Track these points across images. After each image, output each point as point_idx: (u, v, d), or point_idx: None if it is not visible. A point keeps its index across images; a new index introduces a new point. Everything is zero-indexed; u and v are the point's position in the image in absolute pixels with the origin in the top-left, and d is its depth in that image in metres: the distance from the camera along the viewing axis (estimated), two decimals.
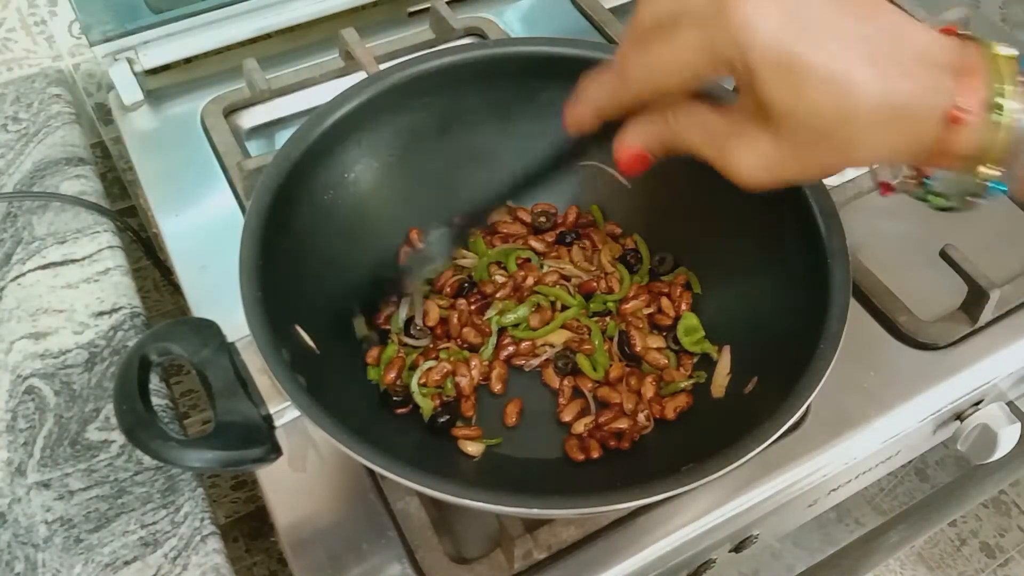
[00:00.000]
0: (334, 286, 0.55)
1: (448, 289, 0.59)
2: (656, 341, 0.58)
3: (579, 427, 0.54)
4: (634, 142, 0.41)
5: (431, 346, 0.57)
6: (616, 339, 0.58)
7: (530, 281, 0.59)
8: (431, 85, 0.58)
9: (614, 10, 0.84)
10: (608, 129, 0.42)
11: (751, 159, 0.37)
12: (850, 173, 0.67)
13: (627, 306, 0.59)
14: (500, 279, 0.60)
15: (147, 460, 0.53)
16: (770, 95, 0.34)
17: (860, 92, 0.33)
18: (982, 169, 0.36)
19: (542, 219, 0.62)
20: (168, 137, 0.72)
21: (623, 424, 0.54)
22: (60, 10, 0.72)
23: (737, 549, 0.61)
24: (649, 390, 0.55)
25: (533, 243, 0.61)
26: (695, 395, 0.56)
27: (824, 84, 0.33)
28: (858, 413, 0.57)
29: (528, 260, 0.61)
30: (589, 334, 0.58)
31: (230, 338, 0.45)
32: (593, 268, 0.61)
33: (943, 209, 0.42)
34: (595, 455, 0.53)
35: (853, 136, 0.35)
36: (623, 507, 0.46)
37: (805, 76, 0.33)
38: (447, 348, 0.56)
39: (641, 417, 0.54)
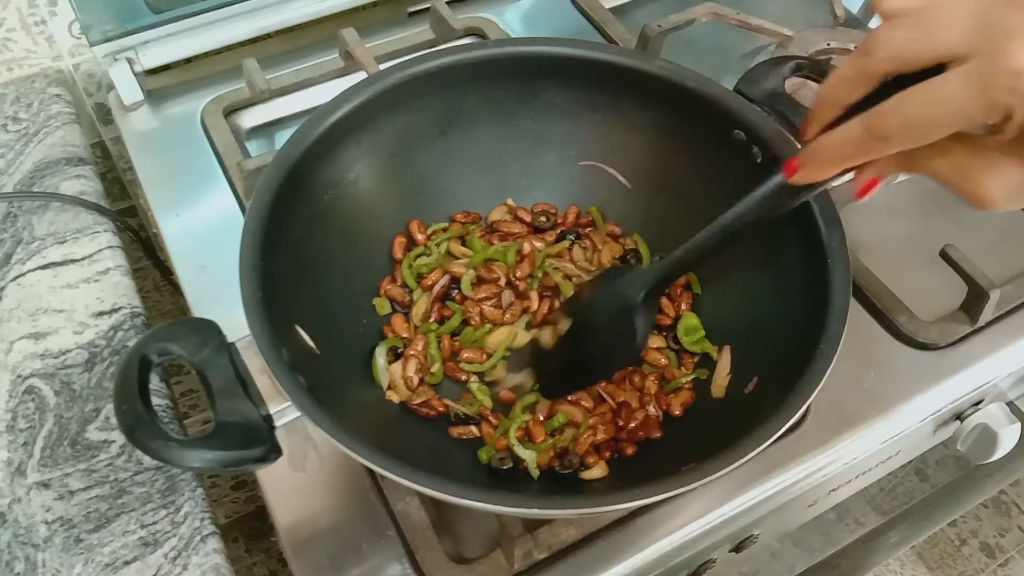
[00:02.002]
0: (334, 286, 0.55)
1: (438, 289, 0.59)
2: (657, 341, 0.58)
3: (600, 435, 0.54)
4: (876, 174, 0.41)
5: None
6: None
7: (525, 270, 0.60)
8: (431, 85, 0.58)
9: (614, 10, 0.84)
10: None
11: (1004, 188, 0.36)
12: (850, 173, 0.66)
13: None
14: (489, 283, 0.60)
15: (147, 460, 0.53)
16: None
17: None
18: None
19: (542, 219, 0.62)
20: (168, 137, 0.72)
21: (640, 416, 0.54)
22: (60, 10, 0.72)
23: (737, 549, 0.61)
24: (652, 387, 0.56)
25: (534, 242, 0.61)
26: (696, 395, 0.56)
27: None
28: (858, 413, 0.57)
29: (524, 259, 0.61)
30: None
31: (230, 338, 0.45)
32: (593, 268, 0.61)
33: None
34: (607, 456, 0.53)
35: None
36: (623, 507, 0.46)
37: None
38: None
39: (651, 409, 0.54)
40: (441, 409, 0.55)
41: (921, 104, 0.34)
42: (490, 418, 0.54)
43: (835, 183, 0.45)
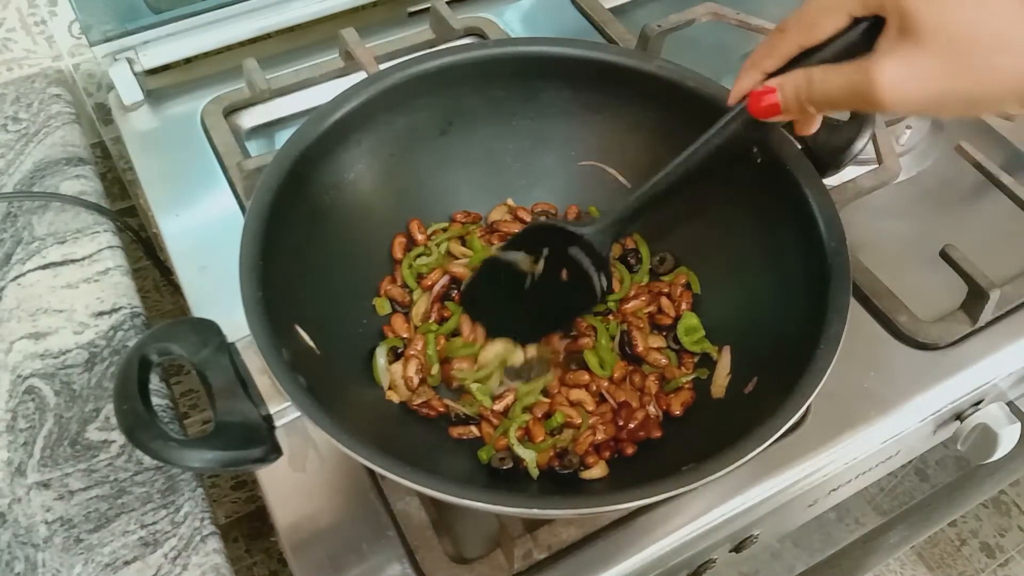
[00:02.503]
0: (334, 286, 0.55)
1: (438, 289, 0.59)
2: (657, 341, 0.58)
3: (599, 435, 0.54)
4: (772, 86, 0.45)
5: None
6: (617, 339, 0.58)
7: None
8: (431, 85, 0.58)
9: (614, 10, 0.84)
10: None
11: (897, 72, 0.39)
12: (850, 173, 0.66)
13: (627, 306, 0.59)
14: None
15: (147, 460, 0.53)
16: (921, 15, 0.37)
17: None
18: None
19: (542, 219, 0.62)
20: (168, 137, 0.72)
21: (640, 415, 0.54)
22: (60, 10, 0.72)
23: (737, 549, 0.61)
24: (653, 387, 0.56)
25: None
26: (696, 395, 0.56)
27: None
28: (858, 413, 0.57)
29: None
30: (596, 333, 0.58)
31: (230, 338, 0.45)
32: None
33: None
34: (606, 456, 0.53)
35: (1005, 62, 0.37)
36: (623, 507, 0.46)
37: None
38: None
39: (651, 408, 0.54)
40: (441, 409, 0.55)
41: (809, 3, 0.43)
42: (491, 418, 0.54)
43: (835, 183, 0.45)
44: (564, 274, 0.55)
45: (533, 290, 0.56)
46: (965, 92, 0.38)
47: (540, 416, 0.54)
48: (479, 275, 0.58)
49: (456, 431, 0.54)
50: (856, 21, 0.42)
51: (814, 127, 0.50)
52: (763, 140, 0.53)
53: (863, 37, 0.42)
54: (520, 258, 0.56)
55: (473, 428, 0.54)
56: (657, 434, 0.54)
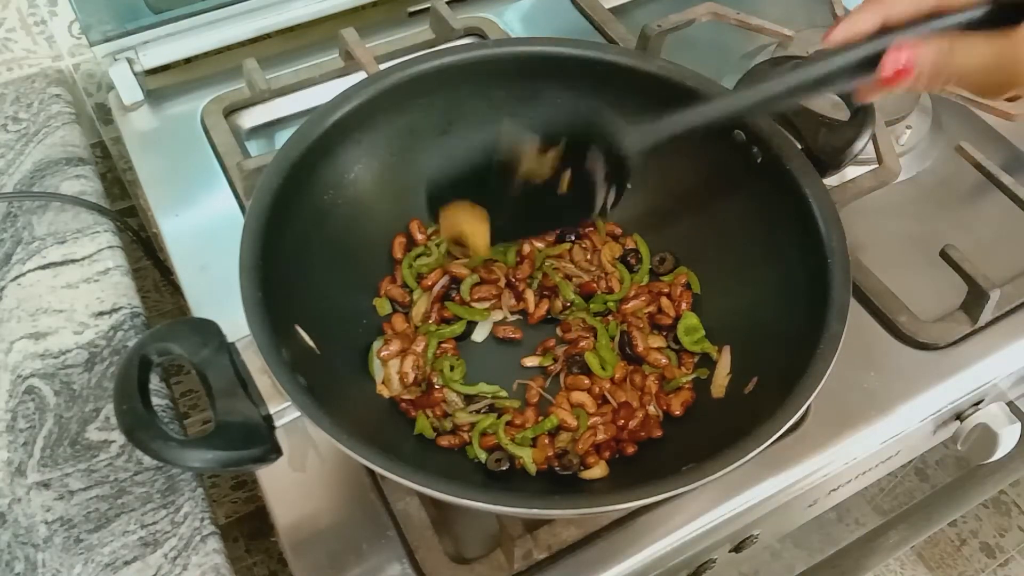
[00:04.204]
0: (334, 286, 0.55)
1: (438, 289, 0.59)
2: (657, 341, 0.58)
3: (600, 435, 0.54)
4: (911, 51, 0.39)
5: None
6: (617, 339, 0.58)
7: (525, 271, 0.60)
8: (431, 85, 0.58)
9: (614, 10, 0.84)
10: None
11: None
12: (850, 173, 0.67)
13: (627, 306, 0.59)
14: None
15: (147, 460, 0.53)
16: None
17: None
18: None
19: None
20: (168, 137, 0.72)
21: (640, 415, 0.54)
22: (60, 10, 0.72)
23: (737, 549, 0.61)
24: (653, 387, 0.56)
25: (534, 243, 0.61)
26: (696, 395, 0.56)
27: None
28: (858, 413, 0.57)
29: (524, 259, 0.61)
30: (595, 335, 0.58)
31: (230, 338, 0.45)
32: (593, 268, 0.61)
33: None
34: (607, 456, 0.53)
35: None
36: (623, 507, 0.46)
37: None
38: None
39: (651, 408, 0.54)
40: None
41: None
42: (462, 433, 0.54)
43: (835, 183, 0.45)
44: (568, 176, 0.47)
45: (527, 183, 0.48)
46: None
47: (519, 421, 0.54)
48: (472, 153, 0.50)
49: (443, 440, 0.54)
50: None
51: (877, 97, 0.46)
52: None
53: (996, 12, 0.39)
54: (528, 142, 0.47)
55: (457, 436, 0.54)
56: (657, 434, 0.54)
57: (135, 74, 0.73)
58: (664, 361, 0.57)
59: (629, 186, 0.49)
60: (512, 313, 0.60)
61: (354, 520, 0.52)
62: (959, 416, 0.65)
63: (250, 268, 0.46)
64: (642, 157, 0.47)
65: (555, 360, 0.58)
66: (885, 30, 0.41)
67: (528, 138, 0.47)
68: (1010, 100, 0.39)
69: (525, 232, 0.54)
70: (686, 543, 0.53)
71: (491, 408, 0.55)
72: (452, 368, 0.56)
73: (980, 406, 0.65)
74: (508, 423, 0.54)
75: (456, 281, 0.60)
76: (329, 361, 0.51)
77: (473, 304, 0.59)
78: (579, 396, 0.55)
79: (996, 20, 0.38)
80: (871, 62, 0.41)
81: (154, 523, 0.51)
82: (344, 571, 0.50)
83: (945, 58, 0.39)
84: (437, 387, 0.56)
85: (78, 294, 0.61)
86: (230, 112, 0.74)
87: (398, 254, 0.60)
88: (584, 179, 0.47)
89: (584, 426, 0.53)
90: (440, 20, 0.77)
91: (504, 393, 0.56)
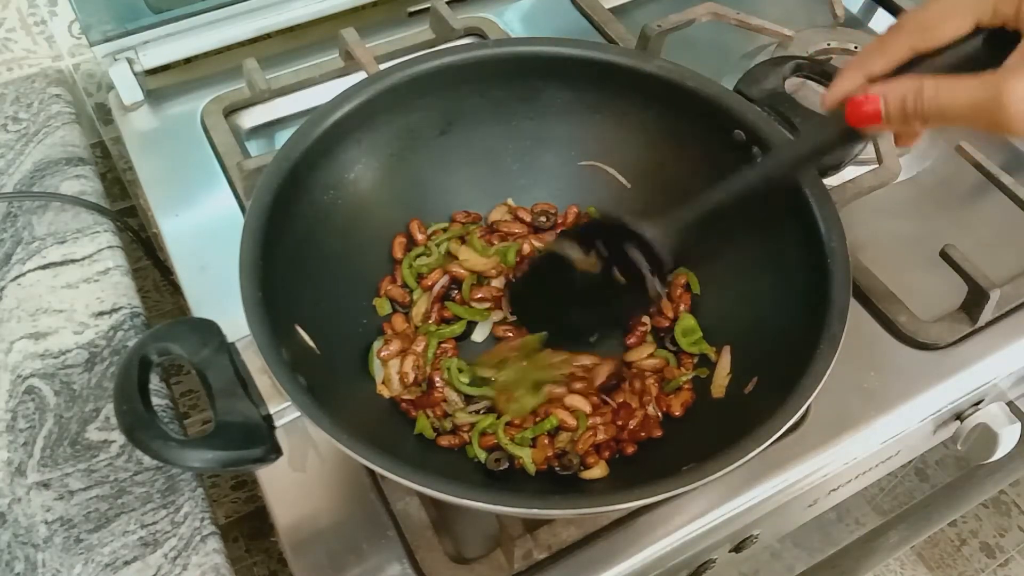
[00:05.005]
0: (334, 286, 0.55)
1: (438, 289, 0.59)
2: (646, 350, 0.58)
3: (600, 436, 0.54)
4: (875, 94, 0.39)
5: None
6: None
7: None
8: (431, 85, 0.58)
9: (614, 10, 0.84)
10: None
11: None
12: (850, 173, 0.67)
13: None
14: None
15: (147, 460, 0.53)
16: None
17: None
18: None
19: (542, 219, 0.62)
20: (168, 137, 0.72)
21: (639, 416, 0.54)
22: (60, 10, 0.72)
23: (737, 549, 0.61)
24: (652, 388, 0.56)
25: (534, 242, 0.61)
26: (696, 395, 0.56)
27: None
28: (858, 413, 0.57)
29: (524, 259, 0.61)
30: None
31: (230, 338, 0.45)
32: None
33: None
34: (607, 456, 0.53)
35: None
36: (623, 507, 0.46)
37: None
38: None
39: (651, 409, 0.54)
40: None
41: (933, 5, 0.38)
42: (462, 433, 0.54)
43: (835, 183, 0.45)
44: (618, 273, 0.52)
45: (583, 289, 0.54)
46: None
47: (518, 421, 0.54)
48: (530, 271, 0.56)
49: (443, 440, 0.54)
50: (978, 29, 0.38)
51: (915, 141, 0.46)
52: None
53: (983, 49, 0.38)
54: (576, 253, 0.53)
55: (457, 436, 0.54)
56: (657, 434, 0.54)
57: (135, 74, 0.73)
58: (656, 364, 0.57)
59: (670, 270, 0.53)
60: (512, 313, 0.60)
61: (354, 520, 0.52)
62: (959, 416, 0.65)
63: (250, 268, 0.46)
64: (673, 242, 0.51)
65: None
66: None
67: (576, 252, 0.53)
68: None
69: (594, 332, 0.57)
70: (686, 543, 0.53)
71: (491, 408, 0.55)
72: (461, 370, 0.56)
73: (980, 406, 0.65)
74: (508, 423, 0.54)
75: (456, 281, 0.60)
76: (329, 361, 0.51)
77: (473, 304, 0.59)
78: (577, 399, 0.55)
79: (989, 56, 0.38)
80: None
81: (154, 523, 0.51)
82: (344, 571, 0.50)
83: (913, 99, 0.38)
84: (438, 387, 0.55)
85: (78, 294, 0.61)
86: (230, 112, 0.74)
87: (398, 254, 0.60)
88: (634, 273, 0.51)
89: (584, 426, 0.53)
90: (440, 20, 0.77)
91: None
